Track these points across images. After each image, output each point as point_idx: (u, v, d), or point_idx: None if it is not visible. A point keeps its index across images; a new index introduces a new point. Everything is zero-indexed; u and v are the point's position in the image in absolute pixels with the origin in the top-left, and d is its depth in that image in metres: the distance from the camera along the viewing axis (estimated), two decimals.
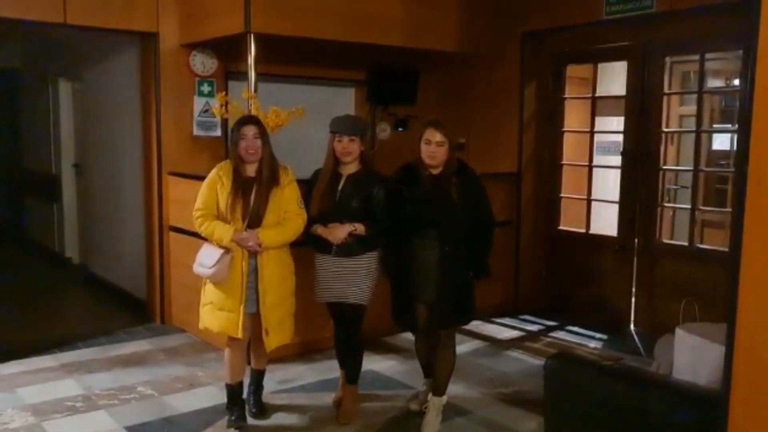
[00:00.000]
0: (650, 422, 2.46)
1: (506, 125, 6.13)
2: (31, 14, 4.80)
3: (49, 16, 4.86)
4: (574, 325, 5.75)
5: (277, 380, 4.38)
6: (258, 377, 3.99)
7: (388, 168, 3.95)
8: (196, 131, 5.58)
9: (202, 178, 3.80)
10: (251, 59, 4.73)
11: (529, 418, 3.91)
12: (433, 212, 3.63)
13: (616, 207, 5.72)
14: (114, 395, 4.18)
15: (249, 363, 3.94)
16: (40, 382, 4.37)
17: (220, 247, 3.56)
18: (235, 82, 5.58)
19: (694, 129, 5.43)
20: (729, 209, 5.27)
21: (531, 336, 5.54)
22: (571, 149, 6.10)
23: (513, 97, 6.07)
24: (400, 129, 6.74)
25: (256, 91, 4.73)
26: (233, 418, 3.76)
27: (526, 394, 4.25)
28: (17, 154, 9.23)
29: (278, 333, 3.69)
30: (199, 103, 5.57)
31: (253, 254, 3.59)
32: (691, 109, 5.75)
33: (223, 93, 4.95)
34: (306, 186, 3.83)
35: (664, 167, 5.50)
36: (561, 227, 6.14)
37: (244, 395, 3.89)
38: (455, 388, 4.12)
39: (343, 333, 3.90)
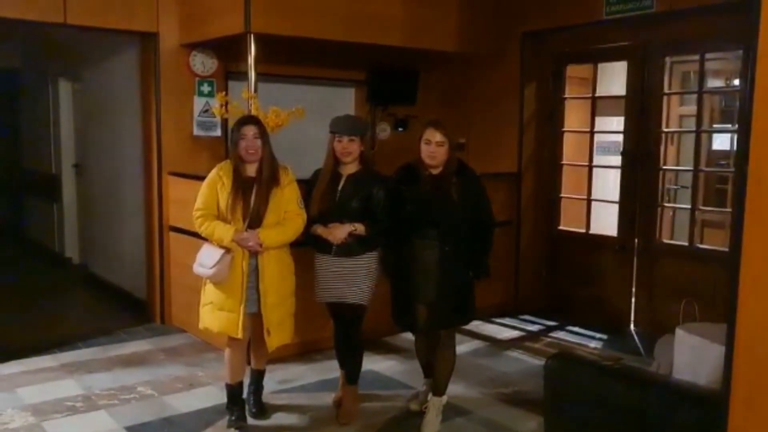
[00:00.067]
0: (650, 422, 2.46)
1: (506, 125, 6.13)
2: (31, 14, 4.80)
3: (49, 16, 4.86)
4: (574, 325, 5.75)
5: (277, 380, 4.38)
6: (258, 377, 3.99)
7: (388, 168, 3.95)
8: (196, 131, 5.58)
9: (202, 178, 3.80)
10: (251, 59, 4.73)
11: (529, 418, 3.91)
12: (433, 212, 3.63)
13: (616, 207, 5.72)
14: (114, 395, 4.18)
15: (249, 363, 3.95)
16: (40, 382, 4.37)
17: (221, 247, 3.56)
18: (235, 82, 5.58)
19: (694, 129, 5.43)
20: (729, 209, 5.27)
21: (531, 336, 5.54)
22: (571, 149, 6.10)
23: (513, 97, 6.07)
24: (400, 129, 6.74)
25: (256, 91, 4.73)
26: (233, 417, 3.76)
27: (526, 394, 4.25)
28: (17, 154, 9.24)
29: (279, 333, 3.70)
30: (199, 103, 5.57)
31: (254, 254, 3.59)
32: (691, 109, 5.75)
33: (223, 93, 4.95)
34: (306, 186, 3.83)
35: (664, 167, 5.50)
36: (561, 227, 6.14)
37: (244, 395, 3.89)
38: (455, 388, 4.12)
39: (343, 333, 3.90)
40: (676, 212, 5.75)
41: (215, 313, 3.64)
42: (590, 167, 5.90)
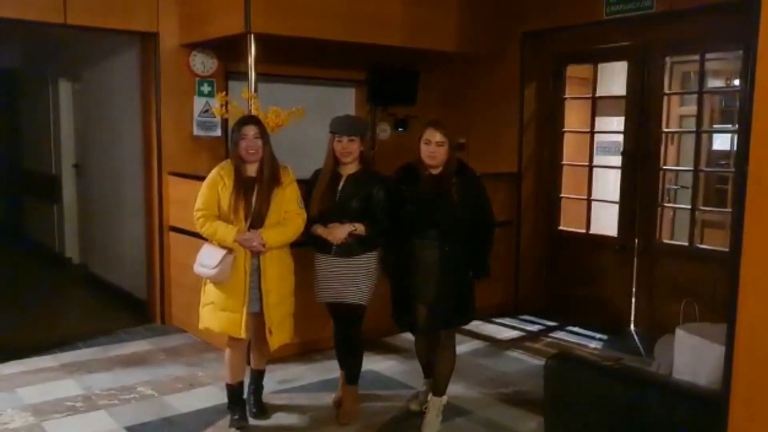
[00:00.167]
0: (650, 422, 2.46)
1: (506, 125, 6.13)
2: (31, 14, 4.80)
3: (49, 16, 4.86)
4: (574, 325, 5.75)
5: (277, 380, 4.38)
6: (258, 377, 3.99)
7: (388, 168, 3.95)
8: (196, 131, 5.58)
9: (202, 178, 3.79)
10: (251, 59, 4.73)
11: (529, 418, 3.91)
12: (433, 212, 3.63)
13: (616, 207, 5.72)
14: (114, 395, 4.18)
15: (248, 363, 3.94)
16: (40, 382, 4.37)
17: (222, 247, 3.56)
18: (235, 82, 5.58)
19: (694, 129, 5.43)
20: (729, 209, 5.27)
21: (531, 336, 5.54)
22: (571, 149, 6.10)
23: (513, 97, 6.07)
24: (400, 129, 6.74)
25: (256, 91, 4.74)
26: (236, 417, 3.76)
27: (526, 394, 4.25)
28: (17, 154, 9.24)
29: (280, 332, 3.70)
30: (199, 103, 5.57)
31: (256, 254, 3.59)
32: (692, 109, 5.75)
33: (223, 93, 4.96)
34: (306, 186, 3.83)
35: (664, 167, 5.50)
36: (561, 227, 6.14)
37: (245, 395, 3.89)
38: (455, 389, 4.12)
39: (343, 333, 3.90)
40: (677, 212, 5.75)
41: (216, 313, 3.64)
42: (590, 167, 5.89)
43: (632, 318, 5.61)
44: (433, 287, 3.64)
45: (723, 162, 6.25)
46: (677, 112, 6.19)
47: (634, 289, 5.59)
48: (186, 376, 4.50)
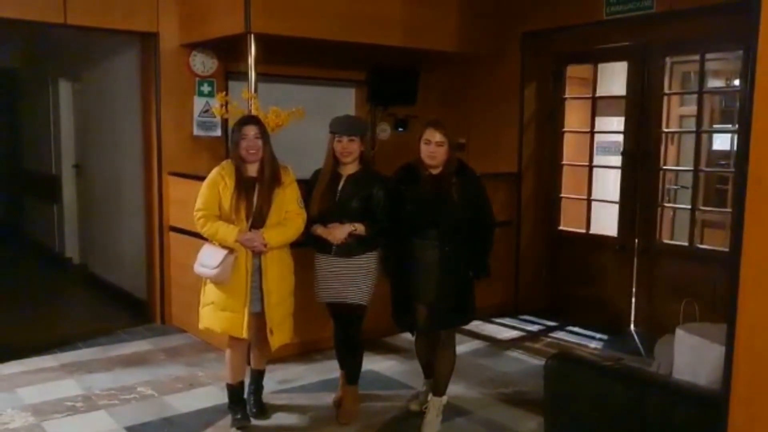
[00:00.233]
0: (650, 422, 2.46)
1: (506, 125, 6.13)
2: (31, 14, 4.80)
3: (49, 16, 4.86)
4: (574, 325, 5.75)
5: (277, 380, 4.38)
6: (258, 377, 3.99)
7: (388, 168, 3.95)
8: (196, 131, 5.58)
9: (202, 178, 3.79)
10: (251, 59, 4.73)
11: (529, 418, 3.91)
12: (433, 212, 3.63)
13: (616, 207, 5.72)
14: (114, 395, 4.18)
15: (248, 363, 3.94)
16: (40, 382, 4.37)
17: (223, 247, 3.56)
18: (235, 82, 5.58)
19: (694, 129, 5.43)
20: (729, 209, 5.27)
21: (531, 336, 5.54)
22: (571, 149, 6.10)
23: (513, 97, 6.07)
24: (400, 129, 6.74)
25: (256, 91, 4.74)
26: (238, 417, 3.76)
27: (526, 395, 4.25)
28: (17, 154, 9.24)
29: (280, 332, 3.71)
30: (199, 103, 5.57)
31: (257, 254, 3.59)
32: (692, 109, 5.75)
33: (223, 93, 4.95)
34: (306, 186, 3.83)
35: (665, 167, 5.50)
36: (561, 227, 6.14)
37: (245, 395, 3.89)
38: (455, 389, 4.12)
39: (343, 333, 3.90)
40: (677, 212, 5.75)
41: (217, 313, 3.64)
42: (590, 167, 5.90)
43: (632, 318, 5.61)
44: (433, 287, 3.64)
45: (723, 162, 6.25)
46: (677, 112, 6.19)
47: (634, 289, 5.59)
48: (186, 376, 4.50)
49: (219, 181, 3.63)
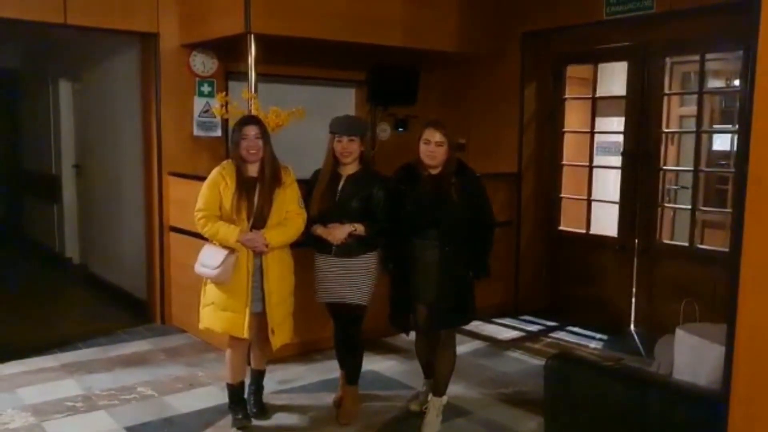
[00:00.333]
0: (650, 422, 2.46)
1: (506, 125, 6.13)
2: (31, 14, 4.80)
3: (49, 17, 4.86)
4: (574, 325, 5.75)
5: (277, 380, 4.38)
6: (258, 377, 3.99)
7: (388, 168, 3.95)
8: (196, 131, 5.58)
9: (202, 179, 3.79)
10: (251, 59, 4.73)
11: (529, 418, 3.91)
12: (433, 212, 3.62)
13: (616, 207, 5.72)
14: (114, 395, 4.18)
15: (248, 363, 3.95)
16: (40, 383, 4.37)
17: (224, 247, 3.56)
18: (235, 83, 5.58)
19: (694, 129, 5.43)
20: (729, 209, 5.27)
21: (531, 336, 5.54)
22: (571, 149, 6.10)
23: (513, 97, 6.07)
24: (400, 129, 6.74)
25: (256, 91, 4.74)
26: (239, 417, 3.76)
27: (527, 395, 4.25)
28: (17, 154, 9.24)
29: (281, 332, 3.71)
30: (199, 103, 5.57)
31: (258, 254, 3.59)
32: (692, 109, 5.75)
33: (224, 93, 4.95)
34: (306, 186, 3.83)
35: (665, 167, 5.50)
36: (561, 227, 6.14)
37: (245, 395, 3.89)
38: (455, 389, 4.12)
39: (343, 333, 3.90)
40: (677, 212, 5.75)
41: (218, 313, 3.64)
42: (590, 167, 5.90)
43: (632, 318, 5.61)
44: (433, 287, 3.64)
45: (723, 162, 6.25)
46: (677, 113, 6.19)
47: (634, 290, 5.59)
48: (186, 376, 4.50)
49: (220, 181, 3.63)
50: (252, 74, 4.75)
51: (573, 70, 6.11)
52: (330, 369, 4.43)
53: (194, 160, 5.50)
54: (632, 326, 5.60)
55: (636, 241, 5.56)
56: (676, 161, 5.95)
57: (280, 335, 3.70)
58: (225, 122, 5.46)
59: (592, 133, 5.87)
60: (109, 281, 6.71)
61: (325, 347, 4.60)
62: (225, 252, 3.54)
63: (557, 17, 5.64)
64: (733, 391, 1.90)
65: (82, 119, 7.45)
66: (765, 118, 1.78)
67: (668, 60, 5.42)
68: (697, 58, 5.21)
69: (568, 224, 6.12)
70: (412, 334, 3.97)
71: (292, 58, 5.89)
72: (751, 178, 1.81)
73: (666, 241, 5.52)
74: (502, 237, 5.48)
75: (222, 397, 3.96)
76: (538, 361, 4.67)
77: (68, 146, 7.80)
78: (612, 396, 2.63)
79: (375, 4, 5.22)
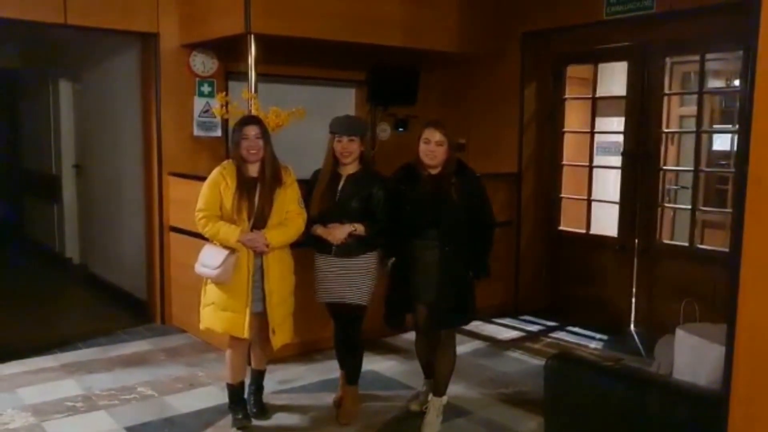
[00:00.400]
0: (650, 422, 2.46)
1: (506, 125, 6.13)
2: (31, 14, 4.80)
3: (49, 17, 4.86)
4: (574, 325, 5.75)
5: (277, 380, 4.38)
6: (258, 377, 3.99)
7: (388, 168, 3.95)
8: (196, 131, 5.58)
9: (202, 179, 3.80)
10: (251, 59, 4.73)
11: (529, 418, 3.91)
12: (433, 212, 3.63)
13: (616, 207, 5.72)
14: (114, 395, 4.18)
15: (249, 363, 3.95)
16: (40, 383, 4.37)
17: (225, 247, 3.56)
18: (235, 83, 5.58)
19: (694, 129, 5.43)
20: (729, 209, 5.27)
21: (531, 336, 5.54)
22: (571, 149, 6.11)
23: (513, 97, 6.07)
24: (400, 129, 6.74)
25: (256, 91, 4.74)
26: (239, 417, 3.76)
27: (527, 395, 4.25)
28: (17, 154, 9.24)
29: (281, 332, 3.71)
30: (199, 103, 5.58)
31: (259, 254, 3.59)
32: (692, 109, 5.75)
33: (224, 93, 4.95)
34: (306, 186, 3.83)
35: (665, 167, 5.50)
36: (561, 227, 6.14)
37: (245, 395, 3.89)
38: (455, 389, 4.12)
39: (343, 333, 3.90)
40: (677, 212, 5.74)
41: (218, 313, 3.64)
42: (590, 167, 5.90)
43: (632, 318, 5.61)
44: (433, 287, 3.64)
45: (723, 162, 6.24)
46: (677, 113, 6.18)
47: (634, 290, 5.59)
48: (186, 376, 4.50)
49: (220, 181, 3.63)
50: (252, 74, 4.75)
51: (573, 70, 6.11)
52: (330, 369, 4.43)
53: (194, 160, 5.51)
54: (632, 326, 5.60)
55: (636, 241, 5.56)
56: (676, 161, 5.95)
57: (281, 335, 3.71)
58: (225, 122, 5.46)
59: (592, 133, 5.87)
60: (109, 281, 6.71)
61: (325, 347, 4.60)
62: (225, 252, 3.54)
63: (557, 17, 5.64)
64: (733, 391, 1.90)
65: (82, 119, 7.45)
66: (765, 118, 1.78)
67: (668, 60, 5.42)
68: (697, 58, 5.21)
69: (568, 224, 6.12)
70: (412, 334, 3.96)
71: (292, 58, 5.89)
72: (751, 178, 1.81)
73: (666, 241, 5.52)
74: (502, 237, 5.48)
75: (222, 397, 3.96)
76: (538, 361, 4.67)
77: (68, 146, 7.81)
78: (612, 396, 2.62)
79: (375, 4, 5.22)
